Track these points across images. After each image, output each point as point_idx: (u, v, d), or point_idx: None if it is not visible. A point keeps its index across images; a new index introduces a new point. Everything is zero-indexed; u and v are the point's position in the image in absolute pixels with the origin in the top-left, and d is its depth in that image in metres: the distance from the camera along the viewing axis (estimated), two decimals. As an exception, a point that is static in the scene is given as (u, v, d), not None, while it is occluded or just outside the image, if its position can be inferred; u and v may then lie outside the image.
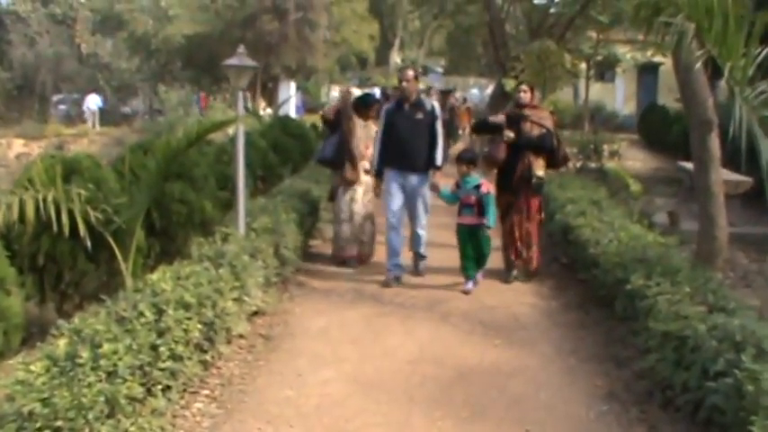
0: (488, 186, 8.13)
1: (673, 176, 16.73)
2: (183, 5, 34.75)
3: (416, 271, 8.70)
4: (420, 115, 8.29)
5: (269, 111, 29.65)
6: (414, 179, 8.33)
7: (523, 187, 8.30)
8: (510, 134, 8.27)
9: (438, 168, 8.33)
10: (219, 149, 11.63)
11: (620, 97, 35.58)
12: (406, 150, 8.26)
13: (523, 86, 8.61)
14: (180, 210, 8.19)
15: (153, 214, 7.84)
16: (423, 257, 8.77)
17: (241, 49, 7.64)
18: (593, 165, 16.35)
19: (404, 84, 8.36)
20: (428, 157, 8.31)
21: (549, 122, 8.40)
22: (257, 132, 15.38)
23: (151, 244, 7.75)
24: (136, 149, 8.38)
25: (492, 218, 7.93)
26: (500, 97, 17.16)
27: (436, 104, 8.60)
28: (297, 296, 7.88)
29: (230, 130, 14.10)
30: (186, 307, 5.15)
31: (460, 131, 25.16)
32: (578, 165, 16.80)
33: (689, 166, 11.80)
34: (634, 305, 5.92)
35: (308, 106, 40.59)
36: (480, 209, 7.97)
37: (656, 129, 25.12)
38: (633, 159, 21.25)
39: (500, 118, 8.58)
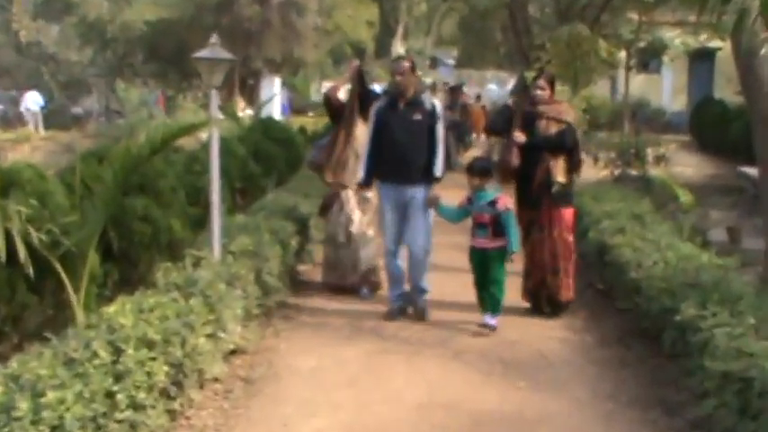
0: (506, 201, 7.81)
1: (732, 184, 16.74)
2: None
3: (416, 310, 8.33)
4: (418, 116, 8.08)
5: (249, 112, 29.74)
6: (410, 193, 8.08)
7: (545, 198, 8.13)
8: (520, 136, 8.18)
9: (437, 180, 8.08)
10: (190, 158, 11.66)
11: (667, 91, 35.66)
12: (400, 158, 8.05)
13: (541, 82, 8.47)
14: (142, 229, 8.20)
15: (110, 235, 7.85)
16: (424, 292, 8.38)
17: (214, 38, 7.65)
18: (634, 172, 16.33)
19: (397, 77, 8.12)
20: (428, 167, 8.07)
21: (569, 116, 8.42)
22: (235, 137, 15.43)
23: (108, 270, 7.76)
24: (89, 158, 8.40)
25: (514, 240, 7.69)
26: (522, 93, 17.17)
27: (437, 103, 8.40)
28: (283, 331, 7.87)
29: (203, 135, 14.14)
30: (150, 345, 5.14)
31: (474, 135, 25.22)
32: (617, 172, 16.82)
33: (752, 171, 11.79)
34: (685, 339, 5.89)
35: (296, 106, 40.74)
36: (496, 229, 7.73)
37: (712, 127, 25.13)
38: (683, 165, 21.26)
39: (519, 138, 8.26)
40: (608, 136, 22.71)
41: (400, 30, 47.58)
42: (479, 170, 7.88)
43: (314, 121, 25.92)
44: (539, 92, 8.35)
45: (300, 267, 10.04)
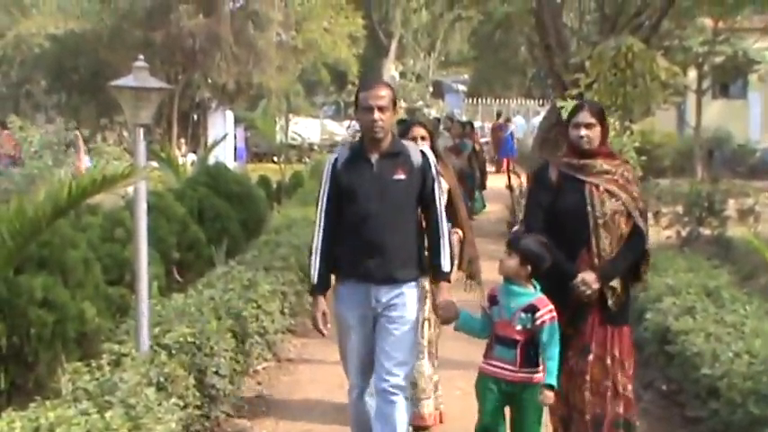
0: (550, 310, 6.39)
1: None
2: None
3: None
4: (399, 174, 6.69)
5: (193, 157, 29.85)
6: (387, 297, 6.70)
7: (590, 310, 6.73)
8: (590, 284, 6.57)
9: (447, 276, 6.90)
10: (110, 220, 11.69)
11: (756, 121, 35.90)
12: (371, 242, 6.64)
13: (585, 115, 6.74)
14: (43, 318, 8.17)
15: (-2, 326, 7.86)
16: None
17: (141, 61, 7.71)
18: (708, 232, 16.37)
19: (372, 116, 6.62)
20: (415, 256, 6.86)
21: (634, 187, 6.83)
22: (172, 192, 15.47)
23: (-5, 374, 7.74)
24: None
25: (554, 369, 6.34)
26: (555, 130, 17.31)
27: (428, 152, 7.00)
28: (234, 454, 7.86)
29: (128, 189, 14.20)
30: (50, 474, 5.14)
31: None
32: (684, 232, 16.84)
33: None
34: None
35: (256, 149, 40.89)
36: (528, 352, 6.46)
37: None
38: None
39: (589, 284, 6.60)
40: (673, 184, 22.79)
41: (393, 46, 48.07)
42: (528, 253, 6.45)
43: (280, 170, 25.87)
44: (583, 132, 6.68)
45: (262, 365, 10.06)
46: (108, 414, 6.04)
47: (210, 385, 7.79)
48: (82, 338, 8.45)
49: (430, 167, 6.86)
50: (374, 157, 6.75)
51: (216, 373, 7.89)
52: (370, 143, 6.79)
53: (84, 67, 35.00)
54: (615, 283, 6.68)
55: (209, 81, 34.97)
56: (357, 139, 7.29)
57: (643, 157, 16.25)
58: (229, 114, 37.86)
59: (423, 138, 8.05)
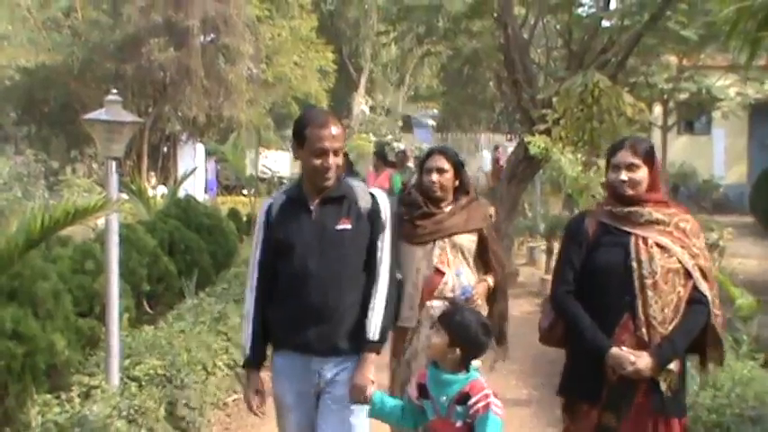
0: (486, 396, 5.04)
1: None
2: (18, 19, 34.21)
3: None
4: (344, 224, 5.60)
5: (163, 189, 29.82)
6: (331, 371, 5.62)
7: (638, 396, 5.34)
8: (633, 360, 5.20)
9: (374, 348, 5.58)
10: (81, 252, 11.66)
11: (719, 157, 36.10)
12: (311, 306, 5.53)
13: (625, 155, 5.52)
14: (12, 350, 8.15)
15: (-33, 358, 7.84)
16: None
17: (113, 94, 7.75)
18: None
19: (324, 162, 5.56)
20: (362, 321, 5.61)
21: (694, 240, 5.49)
22: (143, 224, 15.45)
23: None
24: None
25: None
26: (523, 165, 17.40)
27: (379, 194, 5.85)
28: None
29: (99, 222, 14.20)
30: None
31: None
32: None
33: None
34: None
35: (226, 182, 40.85)
36: None
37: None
38: (743, 256, 21.43)
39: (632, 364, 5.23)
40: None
41: (363, 81, 48.20)
42: (459, 332, 5.13)
43: (250, 203, 25.92)
44: (624, 178, 5.47)
45: (232, 396, 10.05)
46: (78, 446, 6.05)
47: (181, 417, 7.79)
48: (52, 370, 8.42)
49: (379, 213, 5.65)
50: (314, 203, 5.62)
51: (186, 405, 7.89)
52: (313, 188, 5.64)
53: (54, 99, 34.91)
54: (673, 365, 5.28)
55: (180, 114, 34.95)
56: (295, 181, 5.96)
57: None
58: (200, 147, 37.82)
59: (441, 170, 6.84)
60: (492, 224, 7.24)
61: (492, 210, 7.52)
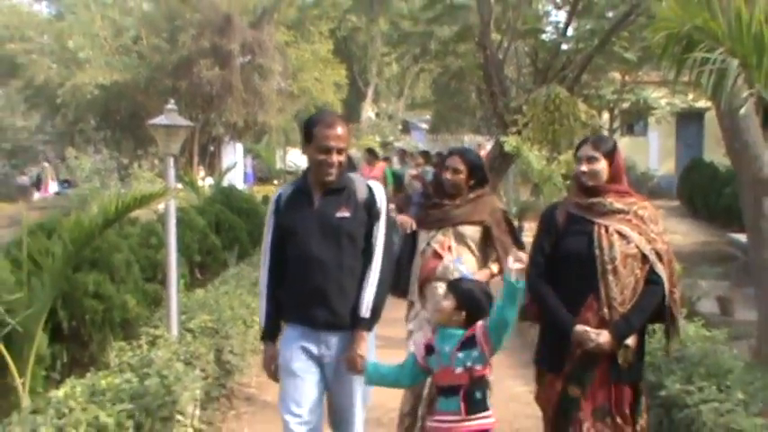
0: (489, 345, 4.79)
1: (723, 252, 16.88)
2: (97, 46, 34.46)
3: None
4: (344, 212, 5.14)
5: (209, 180, 29.79)
6: (331, 344, 5.18)
7: (599, 368, 5.00)
8: (593, 337, 4.89)
9: (365, 325, 5.11)
10: (146, 230, 11.69)
11: (654, 154, 36.08)
12: (314, 285, 5.11)
13: (587, 148, 5.24)
14: (95, 307, 8.21)
15: (59, 313, 7.86)
16: None
17: (171, 104, 7.78)
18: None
19: (328, 158, 5.12)
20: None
21: (652, 226, 5.11)
22: (194, 208, 15.47)
23: (56, 351, 7.74)
24: (37, 231, 8.42)
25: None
26: (499, 160, 17.37)
27: (378, 188, 5.35)
28: (245, 414, 7.88)
29: (160, 206, 14.21)
30: (102, 430, 5.16)
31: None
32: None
33: (742, 237, 11.90)
34: (671, 417, 5.94)
35: (260, 174, 40.80)
36: (473, 398, 4.83)
37: (702, 192, 25.41)
38: (672, 231, 21.36)
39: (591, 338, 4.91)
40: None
41: (370, 92, 48.06)
42: (465, 297, 4.96)
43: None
44: (584, 169, 5.17)
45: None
46: (146, 382, 6.08)
47: (226, 361, 7.82)
48: (125, 323, 8.49)
49: (375, 203, 5.20)
50: (316, 194, 5.19)
51: (230, 351, 7.92)
52: (316, 180, 5.21)
53: (125, 109, 34.95)
54: (630, 340, 4.94)
55: (223, 120, 34.88)
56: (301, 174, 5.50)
57: (568, 181, 16.34)
58: (239, 146, 37.78)
59: (456, 170, 6.32)
60: (501, 218, 6.44)
61: (501, 205, 6.64)
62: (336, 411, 5.29)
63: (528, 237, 13.43)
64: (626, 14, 17.82)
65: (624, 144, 34.47)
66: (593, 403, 4.89)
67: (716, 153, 27.32)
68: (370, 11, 41.27)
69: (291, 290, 5.16)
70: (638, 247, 4.90)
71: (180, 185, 18.90)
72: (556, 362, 5.03)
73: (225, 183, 24.30)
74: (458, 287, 5.00)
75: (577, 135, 14.82)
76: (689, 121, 33.93)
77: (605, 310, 4.83)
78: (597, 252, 4.89)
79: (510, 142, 15.58)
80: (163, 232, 8.57)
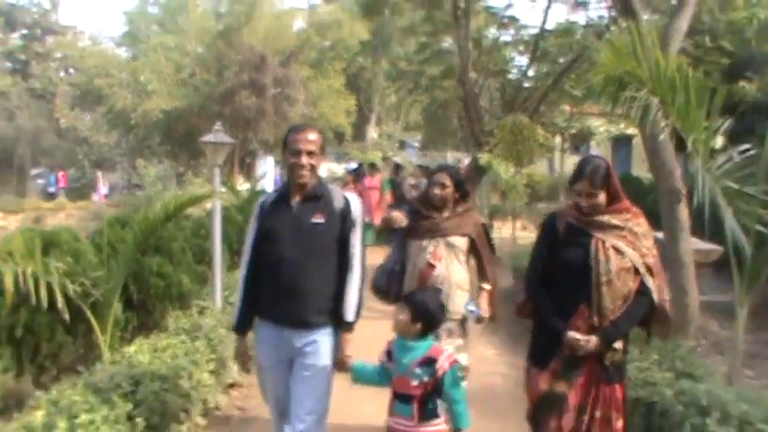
0: (449, 357, 4.37)
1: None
2: (162, 80, 35.02)
3: None
4: (318, 218, 4.54)
5: (246, 186, 29.83)
6: (301, 342, 4.52)
7: (586, 367, 4.42)
8: (583, 344, 4.33)
9: (350, 327, 4.56)
10: (197, 224, 11.74)
11: (596, 169, 36.30)
12: (287, 285, 4.49)
13: (584, 185, 4.53)
14: (157, 283, 8.27)
15: (130, 287, 7.93)
16: None
17: (218, 126, 7.86)
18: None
19: (298, 160, 4.56)
20: (331, 301, 4.56)
21: (644, 242, 4.53)
22: (234, 207, 15.49)
23: (128, 317, 7.80)
24: (114, 223, 8.49)
25: (464, 420, 4.32)
26: (475, 172, 17.43)
27: (352, 198, 4.73)
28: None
29: (208, 205, 14.26)
30: (163, 379, 5.23)
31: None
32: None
33: (661, 235, 11.95)
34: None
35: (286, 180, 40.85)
36: (426, 406, 4.33)
37: (631, 199, 25.42)
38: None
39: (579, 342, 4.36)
40: (547, 206, 23.10)
41: (374, 117, 47.95)
42: (420, 309, 4.40)
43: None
44: (583, 205, 4.53)
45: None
46: (197, 343, 6.16)
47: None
48: (180, 297, 8.53)
49: (350, 212, 4.58)
50: (295, 200, 4.59)
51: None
52: (295, 186, 4.60)
53: (181, 129, 35.01)
54: (618, 343, 4.43)
55: (258, 138, 34.95)
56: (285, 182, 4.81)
57: (528, 189, 16.45)
58: (270, 159, 37.74)
59: (443, 185, 5.66)
60: (482, 230, 5.82)
61: (481, 219, 5.99)
62: (294, 402, 4.52)
63: (497, 233, 13.46)
64: (573, 60, 17.94)
65: (572, 161, 34.68)
66: (578, 399, 4.35)
67: (641, 169, 27.39)
68: (374, 54, 41.54)
69: (264, 288, 4.54)
70: (631, 261, 4.37)
71: (223, 189, 18.90)
72: (543, 360, 4.47)
73: (258, 187, 24.32)
74: (413, 299, 4.43)
75: (537, 153, 14.94)
76: (621, 144, 34.12)
77: (596, 318, 4.31)
78: (593, 264, 4.34)
79: (483, 158, 15.69)
80: (210, 226, 8.61)
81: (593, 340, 4.27)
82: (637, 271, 4.36)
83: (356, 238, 4.54)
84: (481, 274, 5.78)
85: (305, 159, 4.48)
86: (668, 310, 4.52)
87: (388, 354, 4.43)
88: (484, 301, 5.74)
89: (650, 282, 4.36)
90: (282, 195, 4.64)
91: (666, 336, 4.77)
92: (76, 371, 5.48)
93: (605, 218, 4.45)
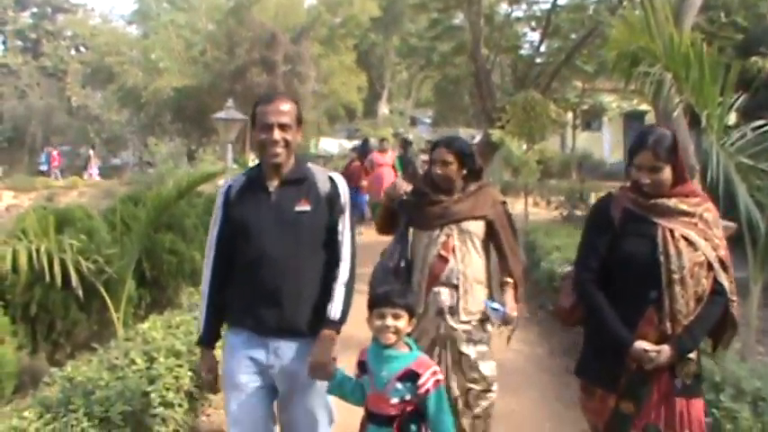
0: (435, 373, 3.44)
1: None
2: (173, 58, 35.07)
3: None
4: (303, 205, 3.66)
5: (257, 162, 29.87)
6: (289, 352, 3.65)
7: (655, 383, 3.56)
8: (653, 357, 3.48)
9: (335, 326, 3.59)
10: (209, 201, 11.73)
11: (607, 145, 36.07)
12: (267, 285, 3.61)
13: (647, 157, 3.60)
14: (170, 260, 8.30)
15: (143, 264, 7.97)
16: None
17: (230, 103, 7.88)
18: (579, 213, 16.50)
19: (269, 135, 3.65)
20: (320, 303, 3.64)
21: (714, 231, 3.63)
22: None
23: (142, 294, 7.85)
24: (126, 201, 8.52)
25: None
26: (488, 148, 17.38)
27: (338, 178, 3.83)
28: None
29: (220, 182, 14.26)
30: (177, 355, 5.25)
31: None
32: (565, 212, 17.02)
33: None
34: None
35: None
36: (406, 428, 3.41)
37: (643, 175, 25.47)
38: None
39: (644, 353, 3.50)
40: (558, 182, 23.04)
41: (385, 93, 47.83)
42: (402, 303, 3.50)
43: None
44: (645, 181, 3.62)
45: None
46: (211, 319, 6.19)
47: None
48: (193, 273, 8.56)
49: (339, 196, 3.72)
50: (273, 185, 3.69)
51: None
52: (270, 168, 3.70)
53: (193, 106, 35.01)
54: (693, 355, 3.56)
55: (269, 115, 35.04)
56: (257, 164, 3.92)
57: (540, 166, 16.42)
58: (282, 136, 37.88)
59: (444, 162, 4.51)
60: (502, 211, 4.65)
61: (500, 197, 4.77)
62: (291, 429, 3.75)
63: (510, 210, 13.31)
64: (586, 36, 17.85)
65: (584, 137, 34.55)
66: (647, 419, 3.50)
67: (655, 145, 27.43)
68: (385, 30, 41.35)
69: (239, 291, 3.67)
70: (704, 254, 3.51)
71: (235, 166, 18.93)
72: (608, 377, 3.59)
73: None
74: (391, 298, 3.50)
75: (549, 130, 14.89)
76: (634, 120, 33.79)
77: (667, 323, 3.47)
78: (662, 259, 3.48)
79: (496, 134, 15.64)
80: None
81: (665, 351, 3.45)
82: (710, 266, 3.53)
83: (345, 225, 3.71)
84: (503, 264, 4.67)
85: (277, 134, 3.62)
86: (736, 313, 3.63)
87: (360, 365, 3.55)
88: (509, 297, 4.59)
89: (724, 278, 3.55)
90: (254, 179, 3.75)
91: (728, 344, 3.83)
92: (91, 348, 5.50)
93: (672, 201, 3.58)
